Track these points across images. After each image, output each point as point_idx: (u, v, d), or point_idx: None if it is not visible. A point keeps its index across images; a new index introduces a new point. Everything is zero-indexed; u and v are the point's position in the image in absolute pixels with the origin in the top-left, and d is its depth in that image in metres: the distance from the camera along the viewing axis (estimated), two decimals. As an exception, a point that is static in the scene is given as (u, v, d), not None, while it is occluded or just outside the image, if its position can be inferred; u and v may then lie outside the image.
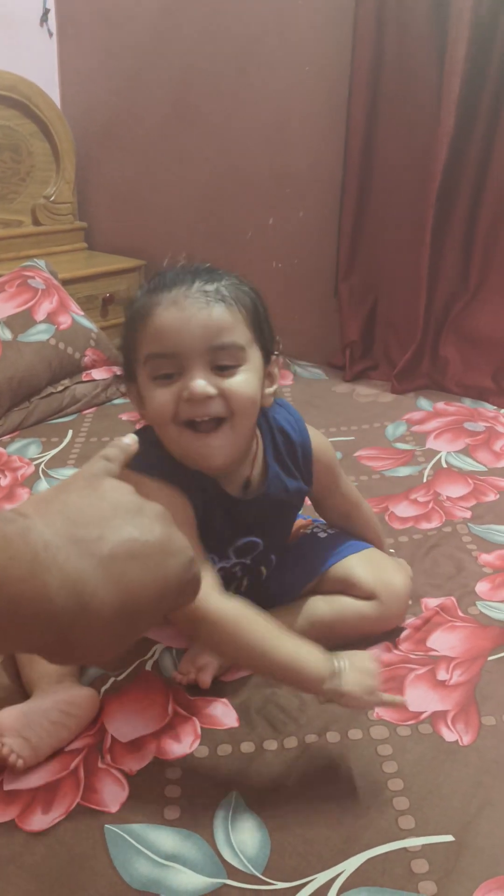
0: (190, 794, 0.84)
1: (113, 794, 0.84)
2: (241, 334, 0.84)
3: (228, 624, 0.81)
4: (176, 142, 2.43)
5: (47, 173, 2.43)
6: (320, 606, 1.06)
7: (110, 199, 2.63)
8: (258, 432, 0.95)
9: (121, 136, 2.53)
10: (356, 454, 1.71)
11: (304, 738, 0.92)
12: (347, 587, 1.07)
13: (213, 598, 0.82)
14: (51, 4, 2.44)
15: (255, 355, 0.87)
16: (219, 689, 1.00)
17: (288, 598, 1.09)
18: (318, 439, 1.03)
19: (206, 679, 0.97)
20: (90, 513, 0.55)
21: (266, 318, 0.90)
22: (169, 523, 0.59)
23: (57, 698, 0.91)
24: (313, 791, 0.85)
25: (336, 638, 1.00)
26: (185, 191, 2.46)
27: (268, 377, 0.91)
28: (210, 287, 0.82)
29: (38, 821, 0.81)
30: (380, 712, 0.95)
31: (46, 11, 2.43)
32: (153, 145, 2.48)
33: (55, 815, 0.82)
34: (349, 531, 1.14)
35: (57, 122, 2.38)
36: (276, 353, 0.92)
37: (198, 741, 0.91)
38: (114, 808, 0.82)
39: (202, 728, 0.94)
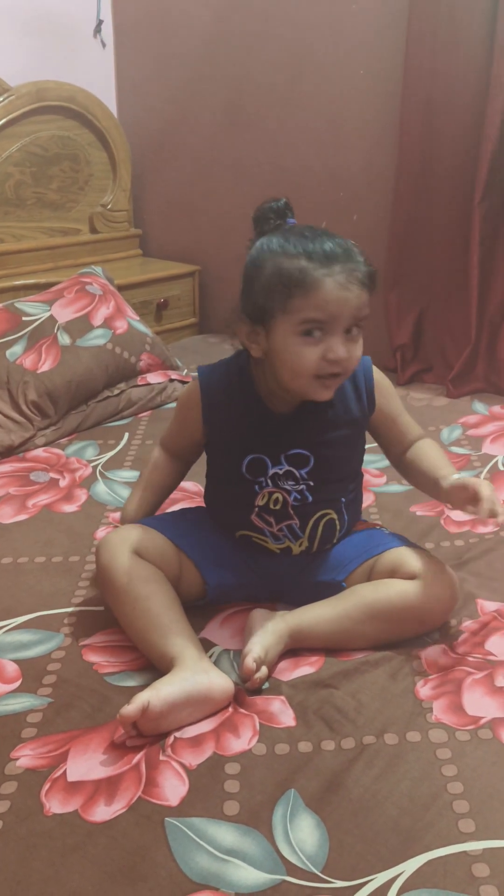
0: (249, 791, 0.85)
1: (173, 789, 0.86)
2: (367, 309, 1.01)
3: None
4: (229, 148, 2.46)
5: (104, 182, 2.47)
6: (364, 586, 1.11)
7: (165, 206, 2.67)
8: None
9: (175, 143, 2.57)
10: (411, 457, 1.70)
11: (361, 740, 0.92)
12: (394, 571, 1.11)
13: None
14: (105, 15, 2.49)
15: None
16: (277, 688, 1.01)
17: (342, 572, 1.15)
18: (378, 372, 1.17)
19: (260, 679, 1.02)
20: None
21: None
22: None
23: (197, 689, 0.95)
24: (372, 792, 0.85)
25: (381, 621, 1.06)
26: (239, 197, 2.48)
27: None
28: (361, 273, 0.99)
29: (101, 812, 0.83)
30: (438, 715, 0.95)
31: (100, 22, 2.48)
32: (207, 152, 2.51)
33: (118, 807, 0.83)
34: (417, 466, 1.18)
35: (114, 132, 2.43)
36: None
37: (256, 737, 0.92)
38: (174, 802, 0.84)
39: (261, 724, 0.95)
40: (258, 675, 1.00)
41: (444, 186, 2.05)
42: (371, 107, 2.15)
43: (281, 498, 1.13)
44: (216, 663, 1.06)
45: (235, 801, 0.84)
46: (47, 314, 1.91)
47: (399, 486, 1.58)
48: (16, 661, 1.07)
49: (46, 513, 1.48)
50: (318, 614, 1.09)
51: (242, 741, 0.92)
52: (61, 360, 1.83)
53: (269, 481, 1.13)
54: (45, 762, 0.90)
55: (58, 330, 1.89)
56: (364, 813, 0.82)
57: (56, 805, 0.84)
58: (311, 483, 1.12)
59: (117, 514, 1.44)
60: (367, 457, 1.68)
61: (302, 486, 1.12)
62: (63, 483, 1.60)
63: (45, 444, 1.76)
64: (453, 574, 1.12)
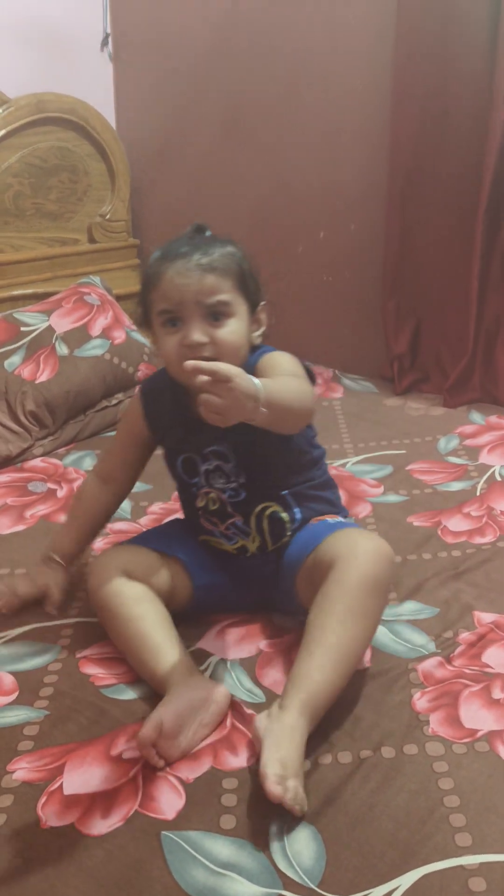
0: (246, 805, 0.85)
1: (170, 802, 0.85)
2: (227, 294, 1.04)
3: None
4: (227, 160, 2.47)
5: (103, 192, 2.48)
6: (316, 615, 1.00)
7: (163, 216, 2.67)
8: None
9: (174, 155, 2.58)
10: (408, 468, 1.71)
11: (358, 753, 0.92)
12: (322, 568, 1.04)
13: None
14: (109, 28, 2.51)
15: (241, 308, 1.07)
16: (273, 702, 1.01)
17: (292, 572, 1.12)
18: (267, 357, 1.10)
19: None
20: None
21: (251, 275, 1.10)
22: None
23: (199, 696, 0.96)
24: (368, 805, 0.85)
25: (354, 619, 0.97)
26: (237, 208, 2.49)
27: (255, 322, 1.12)
28: (205, 260, 1.03)
29: (98, 825, 0.83)
30: (435, 728, 0.95)
31: (107, 36, 2.50)
32: (205, 164, 2.52)
33: (114, 820, 0.83)
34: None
35: (113, 143, 2.44)
36: (262, 302, 1.13)
37: (255, 756, 0.92)
38: (171, 816, 0.84)
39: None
40: (289, 796, 0.81)
41: (440, 197, 2.06)
42: (367, 118, 2.16)
43: (216, 497, 1.15)
44: (213, 673, 1.07)
45: (232, 814, 0.84)
46: (45, 324, 1.92)
47: (396, 497, 1.58)
48: (13, 672, 1.08)
49: (44, 523, 1.49)
50: (308, 678, 0.93)
51: (241, 759, 0.92)
52: (59, 371, 1.84)
53: (203, 480, 1.15)
54: (42, 775, 0.90)
55: (56, 340, 1.90)
56: (361, 826, 0.82)
57: (52, 818, 0.84)
58: (242, 480, 1.13)
59: (115, 525, 1.44)
60: (363, 467, 1.72)
61: (234, 483, 1.13)
62: (61, 493, 1.60)
63: (42, 454, 1.76)
64: (360, 537, 1.07)
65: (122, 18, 2.52)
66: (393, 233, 2.15)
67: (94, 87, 2.50)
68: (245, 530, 1.16)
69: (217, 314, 1.04)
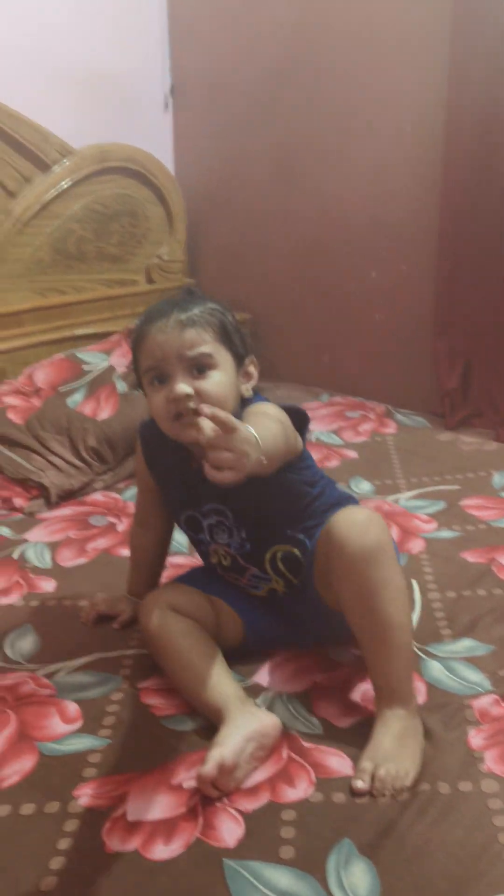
0: (304, 836, 0.87)
1: (230, 831, 0.88)
2: (209, 346, 1.06)
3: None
4: (279, 202, 2.54)
5: (161, 235, 2.57)
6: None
7: (218, 257, 2.76)
8: None
9: (228, 198, 2.67)
10: (461, 503, 1.72)
11: (415, 788, 0.93)
12: (330, 555, 1.05)
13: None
14: (165, 78, 2.61)
15: (224, 360, 1.07)
16: (335, 737, 1.03)
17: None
18: (252, 406, 1.06)
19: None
20: None
21: (235, 329, 1.11)
22: None
23: (252, 728, 0.98)
24: (424, 839, 0.86)
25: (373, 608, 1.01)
26: (289, 248, 2.56)
27: (244, 375, 1.12)
28: (184, 316, 1.06)
29: (161, 851, 0.86)
30: (490, 765, 0.96)
31: (172, 88, 2.61)
32: (258, 206, 2.60)
33: (175, 847, 0.86)
34: None
35: (171, 188, 2.53)
36: (250, 355, 1.13)
37: (312, 787, 0.94)
38: (231, 844, 0.86)
39: (317, 777, 0.97)
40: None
41: (491, 237, 2.09)
42: (415, 158, 2.21)
43: (226, 553, 1.17)
44: (270, 707, 1.09)
45: (291, 846, 0.86)
46: (106, 363, 2.00)
47: (449, 532, 1.59)
48: (77, 701, 1.12)
49: (105, 556, 1.54)
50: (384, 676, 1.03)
51: (298, 791, 0.94)
52: (119, 408, 1.91)
53: (209, 537, 1.17)
54: (106, 801, 0.93)
55: (116, 379, 1.97)
56: (416, 860, 0.83)
57: (116, 843, 0.87)
58: (244, 535, 1.14)
59: (174, 559, 1.48)
60: (417, 502, 1.74)
61: (238, 538, 1.14)
62: (120, 527, 1.65)
63: (103, 489, 1.82)
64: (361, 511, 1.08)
65: (182, 70, 2.62)
66: (443, 273, 2.18)
67: (154, 135, 2.61)
68: (264, 577, 1.17)
69: (201, 367, 1.05)
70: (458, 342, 2.23)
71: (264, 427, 0.92)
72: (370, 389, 2.47)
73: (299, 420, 1.10)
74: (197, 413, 1.00)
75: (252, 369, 1.14)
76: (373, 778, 0.94)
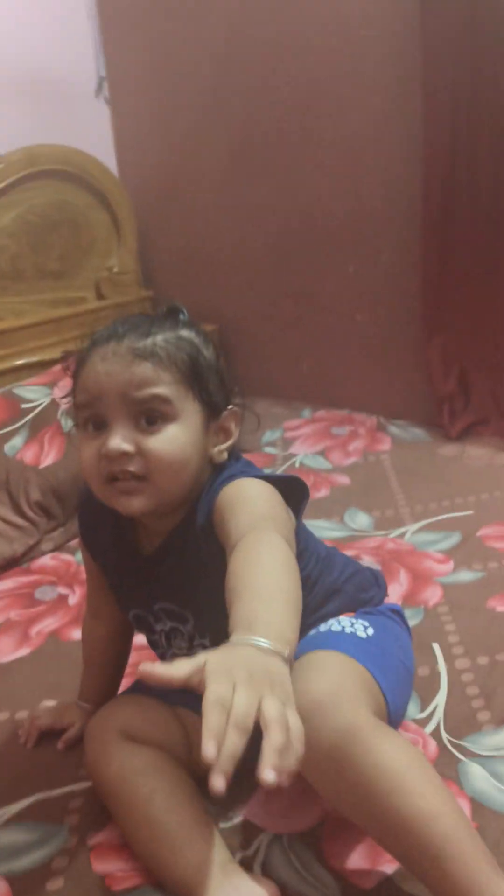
0: None
1: None
2: (167, 389, 0.80)
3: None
4: (239, 196, 2.28)
5: (108, 244, 2.30)
6: None
7: (175, 262, 2.49)
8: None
9: (180, 196, 2.41)
10: (479, 533, 1.45)
11: None
12: None
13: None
14: (100, 72, 2.36)
15: (188, 409, 0.82)
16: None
17: None
18: (233, 486, 0.80)
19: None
20: None
21: (214, 369, 0.85)
22: None
23: None
24: None
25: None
26: (255, 247, 2.29)
27: (221, 432, 0.86)
28: (140, 343, 0.80)
29: None
30: None
31: (102, 79, 2.35)
32: (215, 202, 2.34)
33: None
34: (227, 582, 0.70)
35: (114, 191, 2.26)
36: (230, 406, 0.87)
37: None
38: None
39: None
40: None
41: (482, 214, 1.82)
42: (392, 135, 1.94)
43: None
44: (266, 858, 0.82)
45: None
46: (48, 399, 1.71)
47: (470, 574, 1.32)
48: (6, 876, 0.83)
49: (53, 642, 1.25)
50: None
51: None
52: (66, 452, 1.62)
53: (165, 642, 0.91)
54: None
55: (61, 416, 1.68)
56: None
57: None
58: (208, 643, 0.87)
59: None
60: (426, 536, 1.46)
61: (198, 645, 0.88)
62: (73, 600, 1.37)
63: (52, 550, 1.54)
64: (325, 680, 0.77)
65: (116, 60, 2.37)
66: (431, 256, 1.90)
67: (91, 134, 2.35)
68: None
69: (151, 415, 0.79)
70: (451, 337, 1.96)
71: (275, 610, 0.64)
72: (357, 399, 2.19)
73: (296, 491, 0.83)
74: (137, 477, 0.79)
75: (231, 425, 0.87)
76: None
